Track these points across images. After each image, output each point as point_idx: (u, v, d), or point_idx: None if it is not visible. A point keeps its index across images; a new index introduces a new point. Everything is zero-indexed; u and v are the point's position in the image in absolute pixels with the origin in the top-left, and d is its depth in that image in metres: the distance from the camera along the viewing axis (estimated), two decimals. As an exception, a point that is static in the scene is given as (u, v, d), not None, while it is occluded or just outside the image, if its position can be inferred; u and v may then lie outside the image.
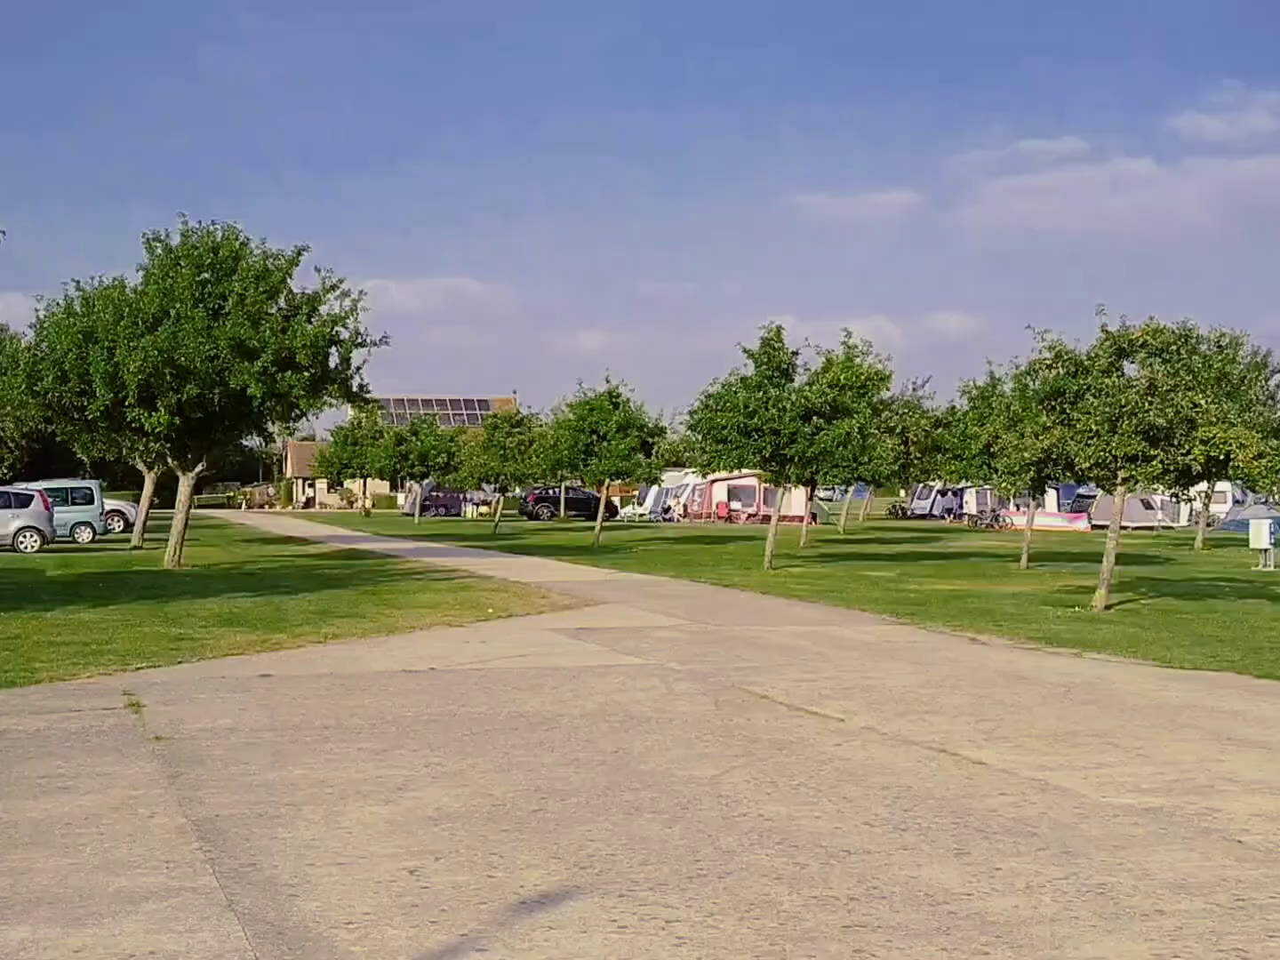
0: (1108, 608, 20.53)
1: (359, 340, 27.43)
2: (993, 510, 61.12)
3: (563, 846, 7.03)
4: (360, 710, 11.21)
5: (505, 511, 59.72)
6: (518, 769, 8.93)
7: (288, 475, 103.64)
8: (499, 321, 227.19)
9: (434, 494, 73.67)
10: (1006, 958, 5.46)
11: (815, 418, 28.67)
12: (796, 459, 28.89)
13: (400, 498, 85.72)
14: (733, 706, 11.55)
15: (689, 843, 7.12)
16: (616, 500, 67.77)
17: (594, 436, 40.97)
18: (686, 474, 57.85)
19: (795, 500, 50.66)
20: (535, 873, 6.57)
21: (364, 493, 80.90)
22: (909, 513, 70.93)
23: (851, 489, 49.75)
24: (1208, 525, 46.22)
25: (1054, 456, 21.23)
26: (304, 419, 30.99)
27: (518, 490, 64.32)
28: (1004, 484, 24.57)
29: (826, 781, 8.62)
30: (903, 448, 43.56)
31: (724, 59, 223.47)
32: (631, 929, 5.77)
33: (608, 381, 41.62)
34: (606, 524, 47.76)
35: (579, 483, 59.11)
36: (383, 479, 70.73)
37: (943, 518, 68.04)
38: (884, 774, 8.87)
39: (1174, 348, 20.64)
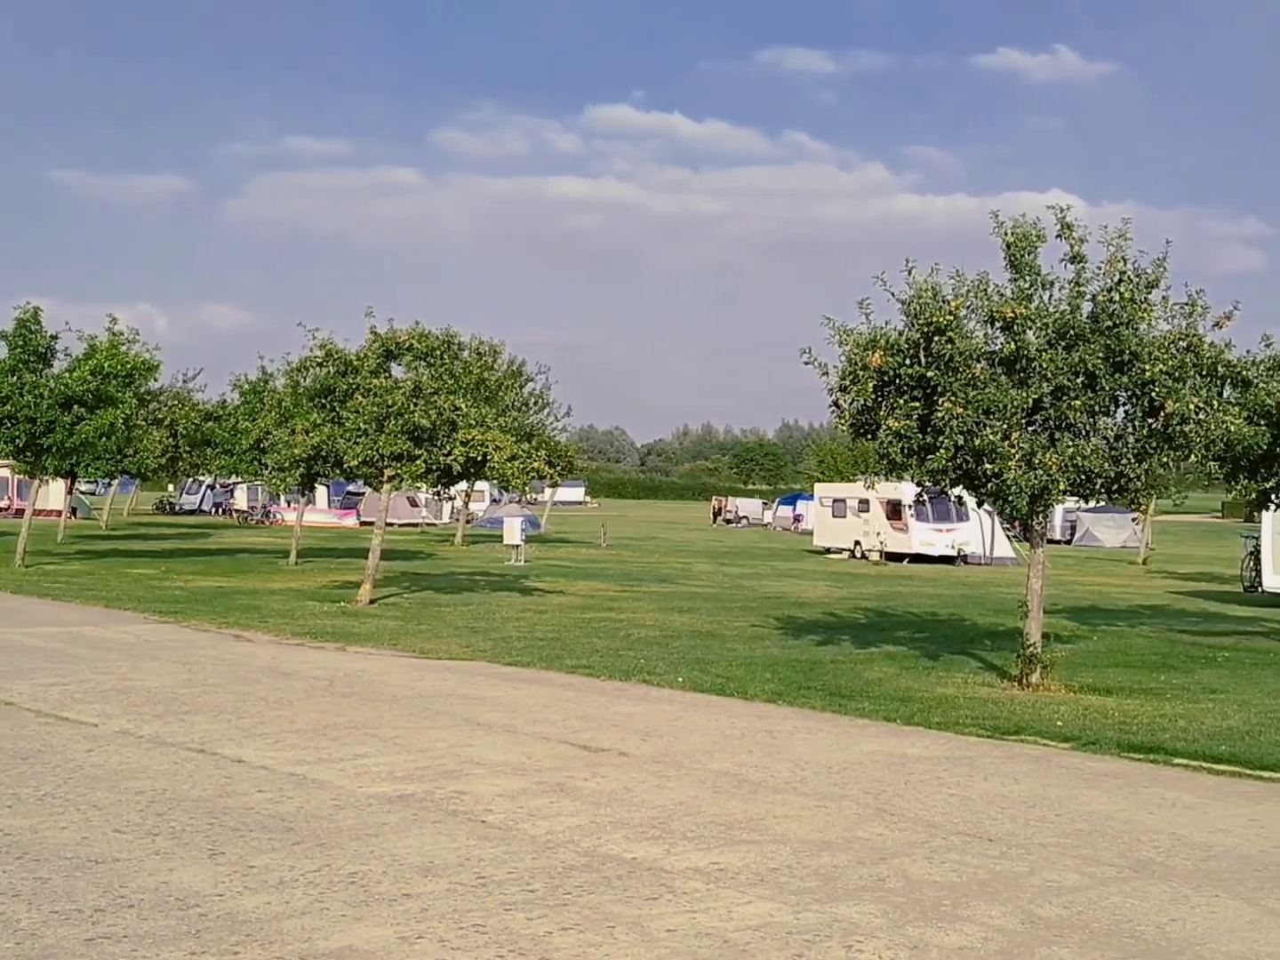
0: (372, 602, 21.13)
1: None
2: (264, 506, 60.89)
3: None
4: None
5: None
6: None
7: None
8: None
9: None
10: (256, 955, 5.44)
11: (76, 406, 27.18)
12: (55, 450, 27.26)
13: None
14: (-29, 716, 10.65)
15: (-89, 868, 6.47)
16: None
17: None
18: (-73, 462, 52.60)
19: (53, 493, 47.62)
20: None
21: None
22: (178, 508, 68.91)
23: (116, 482, 47.75)
24: (467, 522, 48.88)
25: (324, 453, 21.56)
26: None
27: None
28: (274, 480, 24.57)
29: (76, 790, 8.18)
30: (171, 440, 42.23)
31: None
32: None
33: None
34: None
35: None
36: None
37: (213, 513, 66.86)
38: (139, 778, 8.56)
39: (438, 352, 21.71)
